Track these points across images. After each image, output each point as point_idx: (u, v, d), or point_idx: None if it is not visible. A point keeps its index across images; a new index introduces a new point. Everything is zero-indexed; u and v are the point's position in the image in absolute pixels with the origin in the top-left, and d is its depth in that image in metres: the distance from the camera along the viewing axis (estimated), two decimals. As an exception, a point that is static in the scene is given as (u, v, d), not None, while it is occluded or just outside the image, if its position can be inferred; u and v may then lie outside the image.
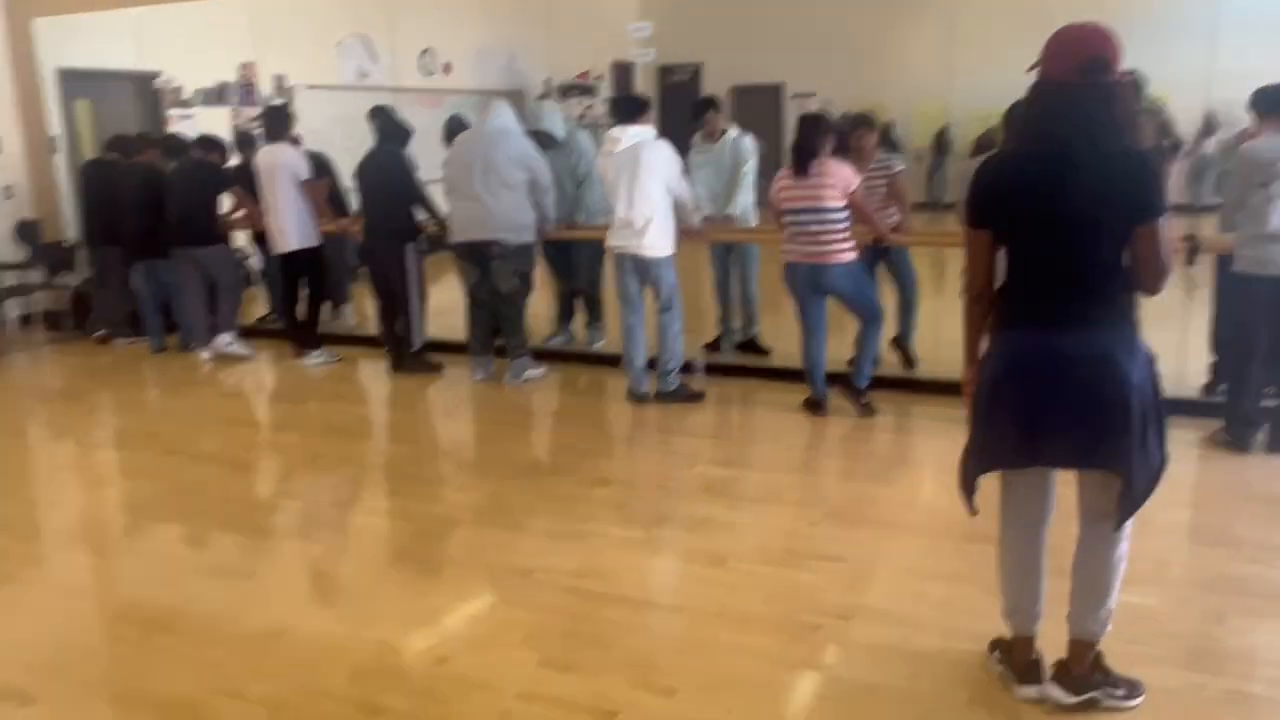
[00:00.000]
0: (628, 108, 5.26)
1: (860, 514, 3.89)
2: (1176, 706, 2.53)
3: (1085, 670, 2.51)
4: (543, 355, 6.19)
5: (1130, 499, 2.34)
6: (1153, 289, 2.28)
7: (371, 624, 3.08)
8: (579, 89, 13.26)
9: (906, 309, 5.72)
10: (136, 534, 4.00)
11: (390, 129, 6.10)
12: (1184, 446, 4.50)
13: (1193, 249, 4.72)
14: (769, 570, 3.41)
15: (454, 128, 6.07)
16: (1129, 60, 2.30)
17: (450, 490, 4.25)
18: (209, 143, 6.93)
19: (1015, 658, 2.62)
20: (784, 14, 12.18)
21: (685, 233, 5.52)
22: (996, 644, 2.72)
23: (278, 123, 6.48)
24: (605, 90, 12.72)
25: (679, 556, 3.51)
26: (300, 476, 4.56)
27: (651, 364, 5.42)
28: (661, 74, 13.64)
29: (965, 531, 3.15)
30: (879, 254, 5.54)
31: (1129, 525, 2.42)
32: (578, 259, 6.31)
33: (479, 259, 5.64)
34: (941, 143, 12.64)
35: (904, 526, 3.68)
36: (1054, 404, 2.29)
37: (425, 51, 12.62)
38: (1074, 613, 2.51)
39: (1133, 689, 2.53)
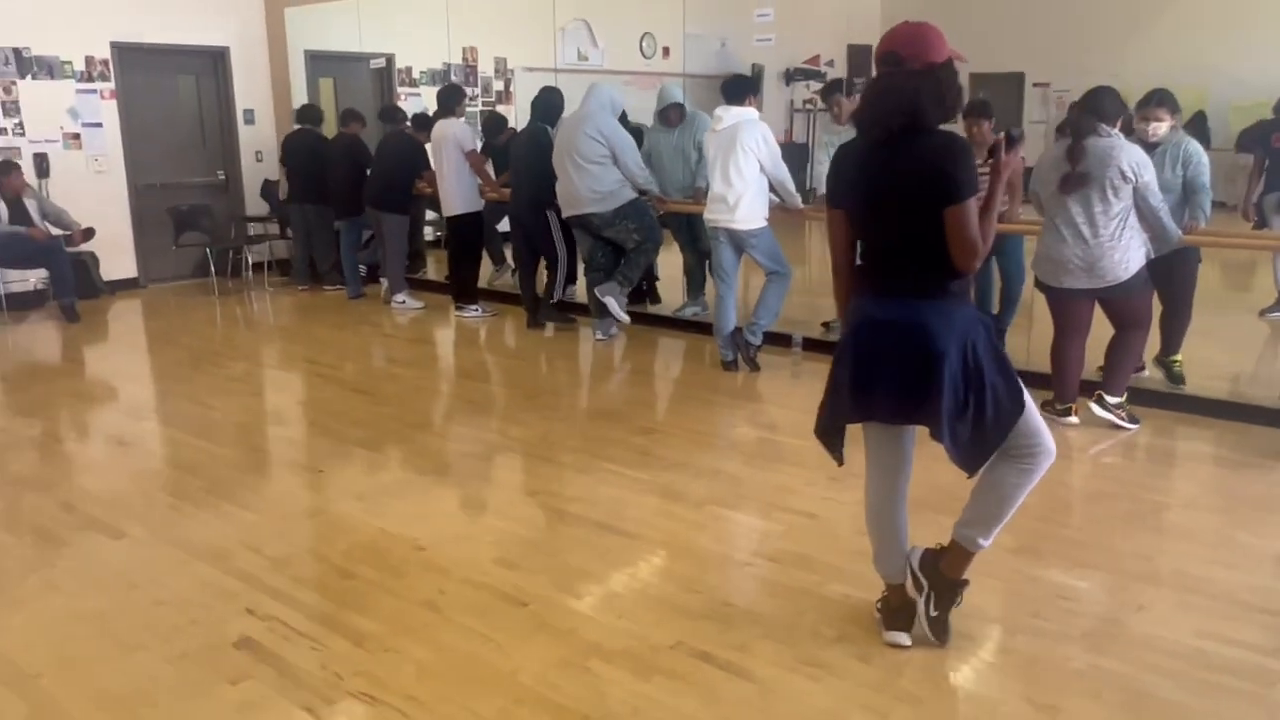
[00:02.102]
0: (734, 89, 5.55)
1: (861, 482, 4.05)
2: (1028, 669, 2.62)
3: (946, 571, 2.68)
4: (676, 325, 6.69)
5: (979, 446, 2.48)
6: (964, 266, 2.39)
7: (384, 516, 3.68)
8: (805, 73, 13.34)
9: (1006, 302, 5.65)
10: (253, 431, 4.87)
11: (543, 108, 6.72)
12: (1257, 456, 4.28)
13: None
14: (738, 517, 3.70)
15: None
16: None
17: (513, 425, 4.81)
18: (419, 119, 7.89)
19: (888, 605, 2.80)
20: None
21: (787, 213, 5.78)
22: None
23: (449, 99, 7.30)
24: (838, 74, 12.74)
25: (666, 497, 3.85)
26: (400, 402, 5.27)
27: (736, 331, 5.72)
28: (899, 59, 13.42)
29: (942, 505, 3.14)
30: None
31: (1040, 462, 2.52)
32: (699, 230, 6.66)
33: (589, 229, 6.17)
34: (1195, 136, 11.71)
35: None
36: (877, 367, 2.49)
37: (645, 36, 13.26)
38: (961, 515, 2.67)
39: (941, 630, 2.71)
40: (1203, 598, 3.00)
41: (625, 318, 6.30)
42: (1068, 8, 11.53)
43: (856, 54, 13.08)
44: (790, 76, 13.58)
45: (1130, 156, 4.12)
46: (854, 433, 2.70)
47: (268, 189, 9.31)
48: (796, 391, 5.46)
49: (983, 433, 2.47)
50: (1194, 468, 4.32)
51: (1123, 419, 4.52)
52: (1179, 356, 5.03)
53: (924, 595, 2.72)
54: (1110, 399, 4.52)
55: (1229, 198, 7.19)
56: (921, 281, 2.45)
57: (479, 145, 7.37)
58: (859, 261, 2.62)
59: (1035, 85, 12.88)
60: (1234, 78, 10.05)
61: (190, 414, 5.07)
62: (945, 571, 2.70)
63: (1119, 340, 4.51)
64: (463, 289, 7.43)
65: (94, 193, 8.17)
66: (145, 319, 7.72)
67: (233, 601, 3.05)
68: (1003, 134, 2.56)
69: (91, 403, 5.52)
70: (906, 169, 2.40)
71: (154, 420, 5.03)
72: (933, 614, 2.69)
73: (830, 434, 2.70)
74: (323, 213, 8.19)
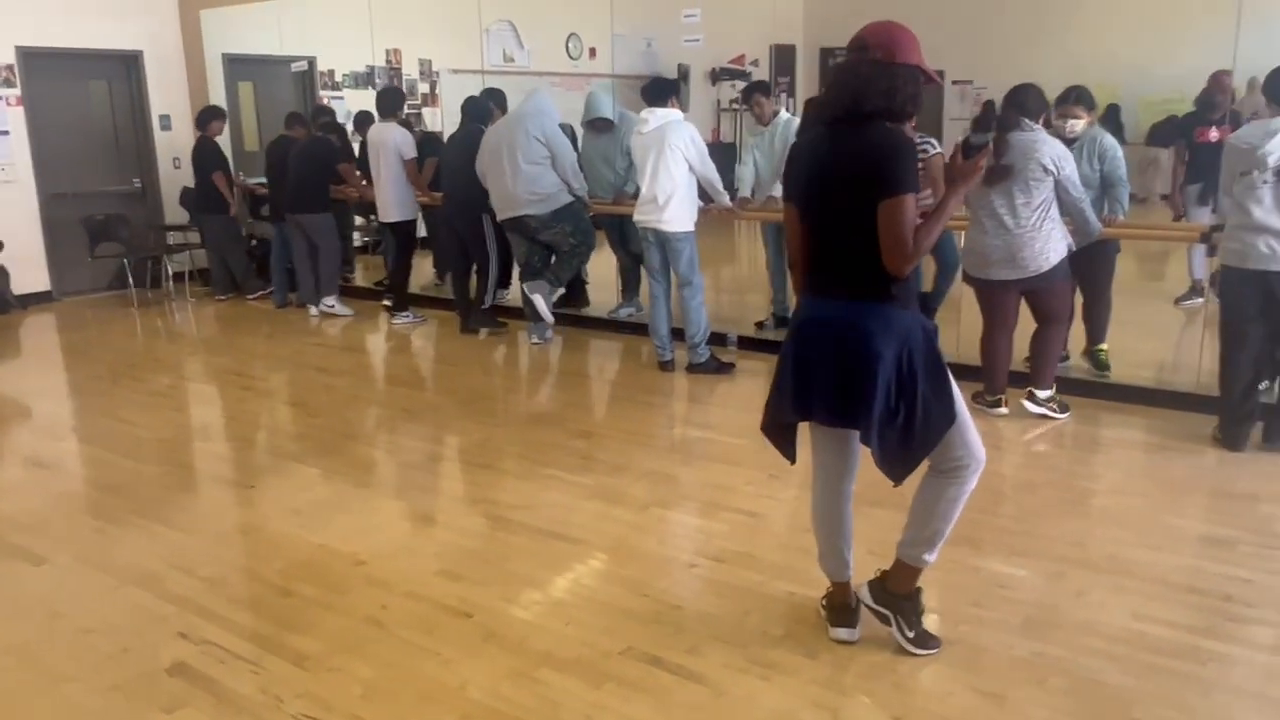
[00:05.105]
0: (656, 91, 5.54)
1: (804, 479, 4.07)
2: (974, 659, 2.66)
3: (897, 590, 2.68)
4: (610, 326, 6.67)
5: (905, 455, 2.49)
6: (893, 268, 2.37)
7: (321, 531, 3.59)
8: (730, 73, 13.38)
9: (936, 291, 5.78)
10: (179, 448, 4.71)
11: (475, 112, 6.65)
12: (1179, 440, 4.41)
13: (1211, 243, 4.60)
14: (680, 518, 3.70)
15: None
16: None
17: (451, 433, 4.74)
18: (331, 124, 7.74)
19: (832, 602, 2.82)
20: (946, -3, 11.95)
21: (718, 212, 5.80)
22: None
23: (389, 103, 7.16)
24: (762, 74, 12.80)
25: (608, 501, 3.83)
26: (334, 413, 5.16)
27: (680, 336, 5.73)
28: (823, 56, 13.60)
29: (889, 500, 3.05)
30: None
31: (970, 475, 2.54)
32: (630, 231, 6.66)
33: (524, 232, 6.12)
34: (1110, 129, 12.08)
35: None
36: (813, 367, 2.50)
37: (571, 36, 13.18)
38: (903, 535, 2.67)
39: (925, 641, 2.67)
40: (1135, 580, 3.09)
41: (550, 317, 6.27)
42: (989, 7, 11.82)
43: (780, 54, 13.19)
44: (716, 76, 13.65)
45: (1052, 150, 4.23)
46: (803, 431, 2.70)
47: (186, 196, 9.03)
48: (734, 391, 5.49)
49: (910, 442, 2.46)
50: (1120, 454, 4.46)
51: (1054, 410, 4.64)
52: (1105, 345, 5.18)
53: (892, 623, 2.69)
54: (1040, 393, 4.64)
55: (1139, 189, 7.45)
56: (862, 282, 2.43)
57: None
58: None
59: (955, 83, 13.18)
60: (1143, 74, 10.41)
61: (112, 431, 4.89)
62: (896, 590, 2.68)
63: (1041, 335, 4.64)
64: (394, 296, 7.31)
65: (1, 203, 7.84)
66: (60, 333, 7.43)
67: (165, 626, 2.94)
68: (958, 141, 2.58)
69: (4, 423, 5.28)
70: (846, 159, 2.41)
71: (73, 439, 4.84)
72: (909, 634, 2.66)
73: (776, 432, 2.70)
74: (225, 222, 8.02)
